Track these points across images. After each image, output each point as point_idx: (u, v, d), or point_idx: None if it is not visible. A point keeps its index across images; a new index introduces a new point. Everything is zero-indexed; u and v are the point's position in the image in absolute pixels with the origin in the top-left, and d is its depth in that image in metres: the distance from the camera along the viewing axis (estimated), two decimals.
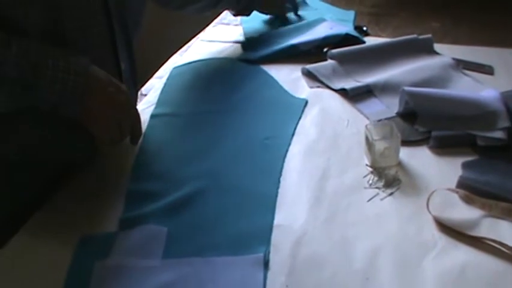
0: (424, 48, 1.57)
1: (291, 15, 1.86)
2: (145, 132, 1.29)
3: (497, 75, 1.47)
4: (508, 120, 1.20)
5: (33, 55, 0.94)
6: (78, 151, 1.15)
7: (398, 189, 1.09)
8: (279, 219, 1.03)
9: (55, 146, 1.10)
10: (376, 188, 1.10)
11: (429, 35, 1.60)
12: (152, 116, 1.36)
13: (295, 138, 1.26)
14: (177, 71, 1.56)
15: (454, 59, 1.51)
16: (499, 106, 1.23)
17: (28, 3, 0.95)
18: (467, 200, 1.05)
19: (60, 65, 0.95)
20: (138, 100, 1.43)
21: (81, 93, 0.98)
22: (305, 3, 1.96)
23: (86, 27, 1.05)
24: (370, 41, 1.66)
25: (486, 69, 1.49)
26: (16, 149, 1.07)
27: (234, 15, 1.77)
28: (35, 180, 1.12)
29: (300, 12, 1.87)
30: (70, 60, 0.97)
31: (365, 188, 1.10)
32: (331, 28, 1.69)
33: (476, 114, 1.23)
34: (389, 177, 1.11)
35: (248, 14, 1.76)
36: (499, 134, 1.18)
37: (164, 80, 1.51)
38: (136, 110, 1.13)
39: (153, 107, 1.40)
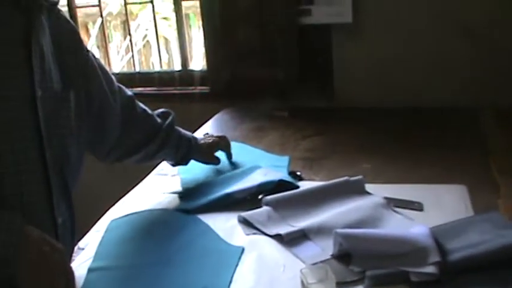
0: (356, 189, 1.62)
1: (224, 164, 1.91)
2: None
3: (426, 211, 1.52)
4: (438, 255, 1.23)
5: None
6: None
7: None
8: None
9: None
10: None
11: (360, 176, 1.66)
12: (90, 270, 1.34)
13: (232, 286, 1.26)
14: (115, 223, 1.57)
15: (385, 198, 1.56)
16: (429, 241, 1.27)
17: None
18: None
19: None
20: (76, 254, 1.42)
21: (13, 254, 0.98)
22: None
23: (23, 181, 1.06)
24: (305, 185, 1.71)
25: (416, 206, 1.54)
26: None
27: (172, 165, 1.82)
28: None
29: (234, 160, 1.93)
30: (3, 220, 0.97)
31: None
32: (265, 175, 1.74)
33: (408, 251, 1.26)
34: None
35: (186, 164, 1.81)
36: (430, 269, 1.20)
37: (102, 233, 1.51)
38: (71, 268, 1.12)
39: (90, 261, 1.38)
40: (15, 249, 0.98)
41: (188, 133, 1.82)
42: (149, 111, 1.71)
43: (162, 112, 1.76)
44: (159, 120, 1.71)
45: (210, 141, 1.86)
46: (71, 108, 1.26)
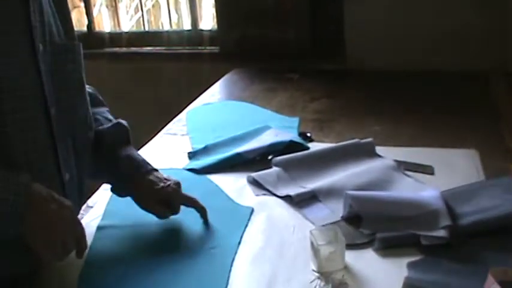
0: (366, 152, 1.61)
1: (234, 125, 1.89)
2: (91, 245, 1.27)
3: (437, 175, 1.51)
4: (449, 219, 1.22)
5: None
6: (20, 266, 1.13)
7: None
8: None
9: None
10: None
11: (370, 139, 1.65)
12: (98, 228, 1.35)
13: (241, 246, 1.26)
14: None
15: (395, 160, 1.55)
16: (440, 205, 1.26)
17: None
18: None
19: None
20: (84, 212, 1.42)
21: (22, 213, 0.97)
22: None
23: (29, 140, 1.05)
24: (314, 146, 1.70)
25: (427, 170, 1.53)
26: None
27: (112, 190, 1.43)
28: None
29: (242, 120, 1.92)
30: (9, 180, 0.97)
31: None
32: (276, 135, 1.73)
33: (419, 214, 1.25)
34: (336, 282, 1.11)
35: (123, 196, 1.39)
36: (441, 233, 1.20)
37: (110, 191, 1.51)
38: (81, 224, 1.12)
39: (99, 219, 1.39)
40: (24, 208, 0.98)
41: (138, 160, 1.37)
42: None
43: (116, 123, 1.40)
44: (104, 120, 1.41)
45: (157, 187, 1.32)
46: (78, 61, 1.24)
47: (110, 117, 1.41)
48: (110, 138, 1.35)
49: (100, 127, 1.36)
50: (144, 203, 1.33)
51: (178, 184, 1.34)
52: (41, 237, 1.01)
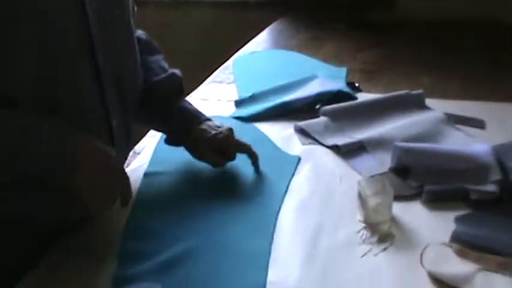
0: (416, 104, 1.59)
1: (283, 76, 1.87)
2: (138, 191, 1.29)
3: (488, 129, 1.49)
4: (499, 173, 1.20)
5: (15, 127, 0.94)
6: (69, 211, 1.14)
7: (391, 244, 1.09)
8: (272, 276, 1.02)
9: (46, 206, 1.09)
10: (370, 243, 1.09)
11: (421, 91, 1.62)
12: (145, 175, 1.36)
13: (288, 195, 1.26)
14: None
15: (445, 113, 1.52)
16: (491, 159, 1.24)
17: (18, 72, 0.96)
18: (461, 254, 1.04)
19: (43, 136, 0.95)
20: (131, 158, 1.43)
21: (66, 161, 0.98)
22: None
23: (76, 86, 1.05)
24: (362, 97, 1.68)
25: (477, 124, 1.51)
26: (6, 211, 1.07)
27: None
28: (25, 242, 1.11)
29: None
30: (54, 130, 0.96)
31: (358, 243, 1.10)
32: (323, 85, 1.71)
33: (468, 167, 1.24)
34: (383, 233, 1.11)
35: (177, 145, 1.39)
36: (491, 187, 1.18)
37: (158, 138, 1.52)
38: (126, 173, 1.11)
39: (146, 166, 1.40)
40: (70, 157, 0.98)
41: (190, 110, 1.38)
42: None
43: (170, 73, 1.39)
44: (157, 72, 1.39)
45: (209, 135, 1.32)
46: (126, 7, 1.23)
47: (165, 65, 1.41)
48: (164, 89, 1.36)
49: (154, 78, 1.36)
50: (197, 153, 1.34)
51: (230, 130, 1.34)
52: (84, 186, 1.02)
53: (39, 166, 0.95)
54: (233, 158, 1.34)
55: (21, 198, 1.05)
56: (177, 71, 1.40)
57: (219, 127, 1.34)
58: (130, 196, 1.10)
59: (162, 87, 1.36)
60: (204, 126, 1.34)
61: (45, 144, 0.95)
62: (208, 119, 1.37)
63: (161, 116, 1.37)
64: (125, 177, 1.09)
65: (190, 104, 1.39)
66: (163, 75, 1.37)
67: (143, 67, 1.32)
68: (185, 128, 1.34)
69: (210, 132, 1.32)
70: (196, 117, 1.36)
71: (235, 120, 1.60)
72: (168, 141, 1.39)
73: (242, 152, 1.35)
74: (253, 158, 1.34)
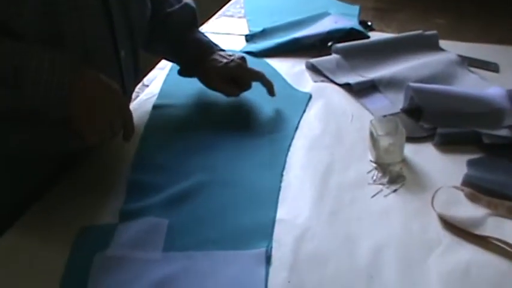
0: (430, 45, 1.56)
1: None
2: (147, 123, 1.28)
3: (502, 73, 1.46)
4: None
5: (16, 58, 0.92)
6: (69, 142, 1.12)
7: (402, 186, 1.08)
8: (281, 213, 1.02)
9: (52, 137, 1.08)
10: (380, 184, 1.09)
11: (435, 31, 1.59)
12: (154, 107, 1.34)
13: (298, 132, 1.24)
14: None
15: (459, 56, 1.49)
16: (506, 104, 1.23)
17: (22, 4, 0.93)
18: (473, 198, 1.04)
19: (44, 67, 0.93)
20: (140, 90, 1.41)
21: (66, 94, 0.96)
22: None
23: (82, 14, 1.02)
24: (375, 36, 1.65)
25: (491, 67, 1.48)
26: (14, 143, 1.06)
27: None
28: (34, 172, 1.11)
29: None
30: (56, 61, 0.94)
31: (369, 184, 1.09)
32: (335, 22, 1.68)
33: (482, 111, 1.22)
34: (394, 174, 1.10)
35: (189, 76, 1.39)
36: (505, 132, 1.17)
37: (167, 70, 1.50)
38: (128, 107, 1.09)
39: (155, 98, 1.38)
40: (68, 90, 0.95)
41: (203, 41, 1.37)
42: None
43: (184, 4, 1.38)
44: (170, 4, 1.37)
45: (221, 64, 1.30)
46: None
47: None
48: (177, 20, 1.34)
49: (168, 9, 1.34)
50: (211, 83, 1.32)
51: (243, 58, 1.32)
52: (85, 119, 1.00)
53: (39, 96, 0.94)
54: (247, 87, 1.33)
55: (22, 129, 1.03)
56: (190, 2, 1.38)
57: (231, 55, 1.32)
58: (132, 131, 1.08)
59: (176, 18, 1.34)
60: (216, 56, 1.32)
61: (44, 75, 0.93)
62: (222, 50, 1.35)
63: (174, 46, 1.35)
64: (128, 111, 1.07)
65: (203, 35, 1.37)
66: (176, 7, 1.35)
67: None
68: (197, 57, 1.32)
69: (221, 61, 1.30)
70: (209, 47, 1.34)
71: (245, 55, 1.56)
72: (181, 71, 1.37)
73: (255, 80, 1.32)
74: (268, 86, 1.32)
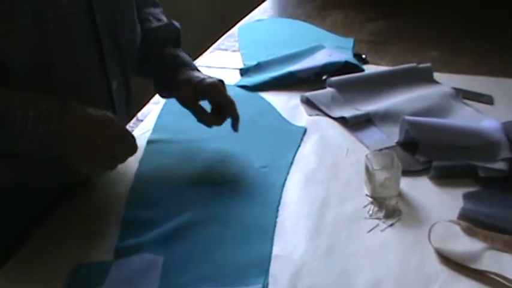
0: (424, 77, 1.56)
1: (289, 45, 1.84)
2: (141, 159, 1.27)
3: (497, 105, 1.46)
4: (509, 151, 1.19)
5: (1, 105, 0.92)
6: (64, 174, 1.11)
7: (399, 220, 1.08)
8: (277, 249, 1.01)
9: (47, 169, 1.08)
10: (377, 218, 1.08)
11: (429, 64, 1.60)
12: (149, 142, 1.34)
13: (294, 166, 1.24)
14: None
15: (453, 88, 1.50)
16: (501, 136, 1.22)
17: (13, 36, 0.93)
18: (469, 232, 1.03)
19: (29, 114, 0.92)
20: (134, 125, 1.41)
21: (54, 139, 0.95)
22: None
23: (74, 47, 1.02)
24: (370, 69, 1.66)
25: (486, 99, 1.48)
26: (9, 175, 1.05)
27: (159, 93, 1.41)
28: (28, 206, 1.10)
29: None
30: (41, 107, 0.93)
31: (365, 218, 1.09)
32: (330, 55, 1.68)
33: (478, 144, 1.22)
34: (390, 208, 1.10)
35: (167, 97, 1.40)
36: (500, 165, 1.17)
37: (161, 105, 1.49)
38: (129, 134, 1.07)
39: (149, 133, 1.38)
40: (60, 131, 0.95)
41: (183, 57, 1.32)
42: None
43: (168, 22, 1.36)
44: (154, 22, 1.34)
45: (197, 79, 1.25)
46: None
47: (163, 18, 1.36)
48: (159, 36, 1.31)
49: (150, 25, 1.31)
50: (184, 99, 1.26)
51: (221, 81, 1.26)
52: (83, 159, 0.99)
53: (24, 143, 0.94)
54: (231, 117, 1.25)
55: (15, 162, 1.03)
56: (176, 23, 1.35)
57: (210, 77, 1.26)
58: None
59: (157, 34, 1.30)
60: (194, 72, 1.27)
61: (30, 121, 0.92)
62: (199, 71, 1.30)
63: (154, 60, 1.30)
64: (130, 140, 1.05)
65: (185, 55, 1.33)
66: (161, 23, 1.32)
67: (140, 19, 1.27)
68: (174, 70, 1.27)
69: (198, 77, 1.24)
70: (189, 64, 1.30)
71: (240, 89, 1.57)
72: (157, 87, 1.33)
73: (225, 104, 1.25)
74: (234, 117, 1.25)
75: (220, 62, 1.78)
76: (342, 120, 1.39)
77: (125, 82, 1.20)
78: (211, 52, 1.88)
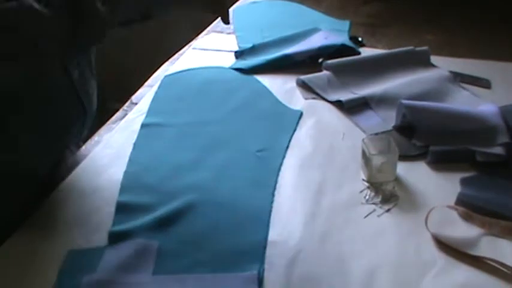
0: (421, 61, 1.55)
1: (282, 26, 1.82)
2: (135, 142, 1.26)
3: (494, 89, 1.45)
4: (507, 136, 1.17)
5: None
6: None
7: (395, 205, 1.06)
8: (273, 235, 1.00)
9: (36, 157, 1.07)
10: (373, 203, 1.07)
11: (426, 47, 1.58)
12: (143, 126, 1.32)
13: (289, 150, 1.23)
14: (168, 79, 1.53)
15: (451, 72, 1.49)
16: (498, 121, 1.21)
17: None
18: (467, 218, 1.02)
19: None
20: (129, 109, 1.40)
21: None
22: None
23: None
24: (366, 52, 1.64)
25: (483, 83, 1.47)
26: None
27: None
28: (18, 193, 1.08)
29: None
30: None
31: (362, 203, 1.07)
32: (326, 38, 1.67)
33: (476, 129, 1.21)
34: (387, 193, 1.08)
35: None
36: (498, 150, 1.15)
37: (155, 88, 1.48)
38: None
39: (143, 116, 1.36)
40: None
41: None
42: None
43: None
44: None
45: None
46: None
47: None
48: None
49: None
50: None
51: None
52: None
53: None
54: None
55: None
56: None
57: None
58: None
59: None
60: None
61: None
62: None
63: None
64: None
65: None
66: None
67: None
68: None
69: None
70: None
71: (235, 72, 1.55)
72: None
73: None
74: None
75: (215, 45, 1.76)
76: (338, 104, 1.38)
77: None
78: (206, 34, 1.86)
